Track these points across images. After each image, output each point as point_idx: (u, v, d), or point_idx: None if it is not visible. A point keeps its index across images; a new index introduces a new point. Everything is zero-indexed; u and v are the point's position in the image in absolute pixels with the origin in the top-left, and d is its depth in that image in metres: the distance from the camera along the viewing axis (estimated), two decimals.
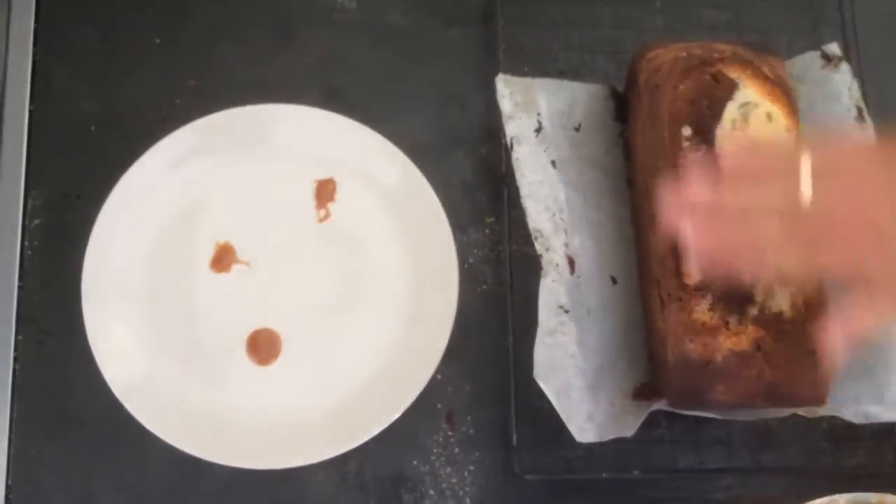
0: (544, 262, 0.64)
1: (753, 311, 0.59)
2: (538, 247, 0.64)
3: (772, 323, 0.59)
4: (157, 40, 0.75)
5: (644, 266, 0.67)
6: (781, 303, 0.59)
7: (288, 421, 0.67)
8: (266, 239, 0.71)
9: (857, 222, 0.49)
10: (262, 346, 0.69)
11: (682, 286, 0.59)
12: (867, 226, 0.49)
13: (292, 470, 0.66)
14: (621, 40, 0.75)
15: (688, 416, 0.65)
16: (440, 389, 0.69)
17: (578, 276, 0.65)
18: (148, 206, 0.71)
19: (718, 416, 0.64)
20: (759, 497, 0.67)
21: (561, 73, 0.74)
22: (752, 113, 0.62)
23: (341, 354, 0.69)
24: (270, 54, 0.75)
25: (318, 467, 0.66)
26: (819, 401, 0.62)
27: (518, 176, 0.66)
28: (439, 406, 0.69)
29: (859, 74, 0.73)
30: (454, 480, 0.67)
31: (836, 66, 0.69)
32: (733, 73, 0.63)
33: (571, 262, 0.65)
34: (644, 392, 0.66)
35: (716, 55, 0.64)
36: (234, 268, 0.70)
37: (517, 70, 0.72)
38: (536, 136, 0.68)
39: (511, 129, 0.67)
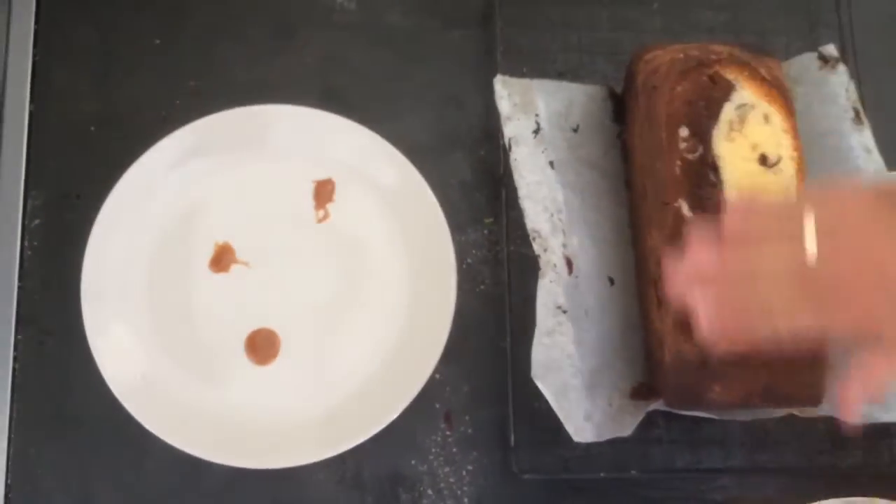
0: (542, 262, 0.64)
1: None
2: (536, 247, 0.64)
3: None
4: (157, 41, 0.76)
5: (641, 266, 0.67)
6: None
7: (287, 420, 0.67)
8: (265, 239, 0.71)
9: (867, 278, 0.48)
10: (261, 346, 0.69)
11: None
12: (877, 281, 0.48)
13: (291, 469, 0.66)
14: (619, 42, 0.75)
15: (685, 416, 0.65)
16: (438, 389, 0.69)
17: (576, 277, 0.66)
18: (147, 206, 0.71)
19: (715, 416, 0.64)
20: (755, 497, 0.68)
21: (559, 75, 0.75)
22: (749, 114, 0.62)
23: (340, 354, 0.69)
24: (270, 55, 0.76)
25: (316, 467, 0.66)
26: (815, 401, 0.62)
27: (516, 177, 0.66)
28: (437, 406, 0.69)
29: (856, 76, 0.73)
30: (452, 480, 0.68)
31: (834, 67, 0.70)
32: (730, 74, 0.63)
33: (569, 263, 0.65)
34: (641, 392, 0.66)
35: (713, 57, 0.64)
36: (233, 268, 0.71)
37: (516, 71, 0.72)
38: (535, 137, 0.68)
39: (509, 130, 0.67)
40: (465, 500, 0.67)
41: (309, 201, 0.72)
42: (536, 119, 0.68)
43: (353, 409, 0.68)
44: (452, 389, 0.69)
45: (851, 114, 0.69)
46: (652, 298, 0.64)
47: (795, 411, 0.64)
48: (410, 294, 0.70)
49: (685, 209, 0.61)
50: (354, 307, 0.70)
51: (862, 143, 0.68)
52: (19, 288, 0.70)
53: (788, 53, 0.73)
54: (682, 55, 0.64)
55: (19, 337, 0.69)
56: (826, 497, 0.63)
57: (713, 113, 0.62)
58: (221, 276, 0.70)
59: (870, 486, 0.64)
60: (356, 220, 0.72)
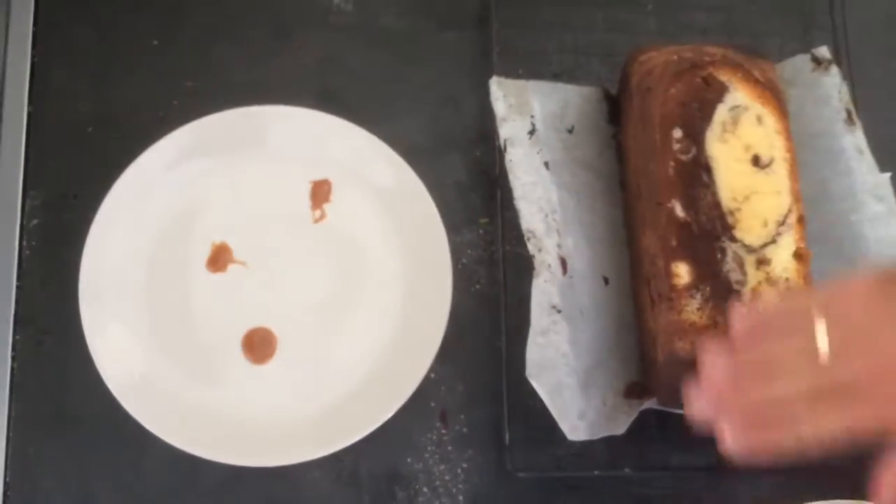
0: (537, 262, 0.64)
1: None
2: (531, 247, 0.65)
3: None
4: (155, 42, 0.76)
5: (636, 266, 0.68)
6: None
7: (283, 419, 0.68)
8: (262, 239, 0.71)
9: (882, 372, 0.48)
10: (258, 346, 0.69)
11: (672, 287, 0.60)
12: (892, 374, 0.48)
13: (288, 468, 0.66)
14: (614, 43, 0.76)
15: (678, 415, 0.65)
16: (434, 388, 0.69)
17: (571, 277, 0.66)
18: (145, 206, 0.71)
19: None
20: (749, 495, 0.68)
21: (555, 76, 0.75)
22: (742, 115, 0.63)
23: (336, 353, 0.70)
24: (267, 56, 0.76)
25: (313, 465, 0.67)
26: None
27: (511, 177, 0.66)
28: (433, 405, 0.69)
29: (849, 77, 0.73)
30: (447, 478, 0.68)
31: (827, 69, 0.70)
32: (724, 76, 0.64)
33: (564, 263, 0.66)
34: (635, 391, 0.67)
35: (707, 58, 0.64)
36: (231, 268, 0.71)
37: (511, 72, 0.72)
38: (530, 137, 0.68)
39: (505, 131, 0.68)
40: (461, 498, 0.68)
41: (305, 201, 0.73)
42: (532, 120, 0.69)
43: (349, 407, 0.68)
44: (448, 388, 0.70)
45: (844, 115, 0.69)
46: (646, 298, 0.64)
47: None
48: (406, 294, 0.71)
49: (679, 210, 0.61)
50: (351, 307, 0.71)
51: (854, 144, 0.68)
52: (18, 287, 0.70)
53: (782, 55, 0.73)
54: (675, 57, 0.65)
55: (18, 337, 0.69)
56: (816, 499, 0.63)
57: (707, 114, 0.63)
58: (218, 275, 0.71)
59: (858, 489, 0.64)
60: (353, 221, 0.72)
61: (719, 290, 0.60)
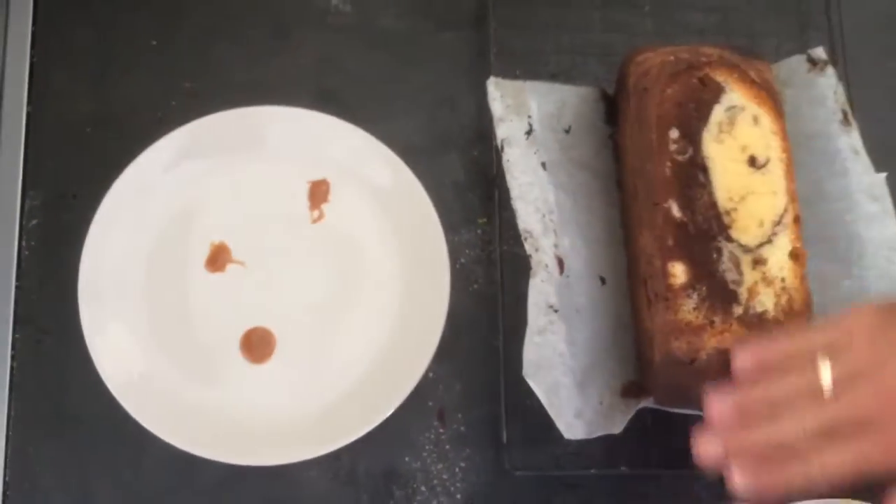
0: (534, 262, 0.65)
1: (738, 311, 0.60)
2: (528, 247, 0.65)
3: (756, 322, 0.60)
4: (154, 42, 0.76)
5: (632, 266, 0.68)
6: (766, 302, 0.61)
7: (281, 418, 0.68)
8: (260, 239, 0.72)
9: (887, 406, 0.49)
10: (257, 345, 0.69)
11: (669, 286, 0.60)
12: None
13: (286, 466, 0.66)
14: (611, 43, 0.76)
15: (675, 414, 0.65)
16: (432, 387, 0.69)
17: (567, 276, 0.66)
18: (144, 206, 0.71)
19: (704, 414, 0.65)
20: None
21: (552, 76, 0.75)
22: (738, 116, 0.63)
23: (334, 353, 0.70)
24: (265, 57, 0.76)
25: (311, 464, 0.67)
26: None
27: (508, 178, 0.66)
28: (431, 404, 0.69)
29: (845, 77, 0.74)
30: (445, 477, 0.68)
31: (822, 69, 0.70)
32: (720, 76, 0.64)
33: (561, 263, 0.66)
34: (632, 390, 0.67)
35: (703, 59, 0.64)
36: (229, 267, 0.71)
37: (509, 73, 0.73)
38: (527, 138, 0.68)
39: (502, 131, 0.68)
40: (458, 496, 0.68)
41: (304, 202, 0.73)
42: (529, 120, 0.69)
43: (347, 406, 0.68)
44: (445, 387, 0.70)
45: (840, 116, 0.69)
46: (642, 298, 0.64)
47: None
48: (404, 293, 0.71)
49: (675, 209, 0.62)
50: (349, 306, 0.71)
51: (850, 144, 0.69)
52: (17, 287, 0.70)
53: (778, 55, 0.74)
54: (672, 58, 0.65)
55: (17, 336, 0.69)
56: (805, 498, 0.63)
57: (703, 115, 0.63)
58: (217, 275, 0.71)
59: (858, 488, 0.64)
60: (351, 221, 0.72)
61: (715, 289, 0.61)
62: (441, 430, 0.69)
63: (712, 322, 0.60)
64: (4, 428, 0.67)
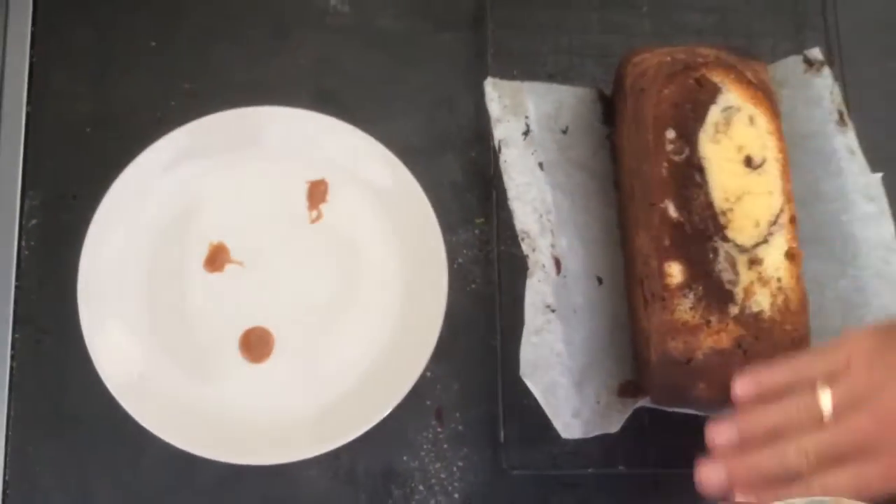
0: (531, 262, 0.65)
1: (734, 311, 0.61)
2: (525, 247, 0.65)
3: (752, 322, 0.60)
4: (153, 43, 0.76)
5: (629, 266, 0.68)
6: (762, 302, 0.61)
7: (280, 418, 0.68)
8: (259, 239, 0.72)
9: (885, 427, 0.49)
10: (255, 345, 0.70)
11: (665, 286, 0.61)
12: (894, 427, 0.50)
13: (285, 466, 0.67)
14: (609, 44, 0.76)
15: (672, 413, 0.66)
16: (429, 387, 0.70)
17: (564, 277, 0.66)
18: (143, 206, 0.71)
19: (701, 413, 0.65)
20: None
21: (550, 77, 0.75)
22: (734, 116, 0.63)
23: (333, 352, 0.70)
24: (264, 57, 0.76)
25: (310, 463, 0.67)
26: None
27: (506, 178, 0.67)
28: (429, 403, 0.70)
29: (842, 78, 0.74)
30: (443, 476, 0.69)
31: (819, 70, 0.71)
32: (716, 77, 0.64)
33: (558, 263, 0.66)
34: (629, 389, 0.67)
35: (699, 60, 0.65)
36: (228, 267, 0.71)
37: (506, 73, 0.73)
38: (524, 138, 0.69)
39: (499, 132, 0.68)
40: (456, 495, 0.68)
41: (302, 202, 0.73)
42: (526, 121, 0.69)
43: (345, 406, 0.69)
44: (443, 387, 0.70)
45: (836, 116, 0.70)
46: (639, 298, 0.65)
47: None
48: (402, 293, 0.71)
49: (671, 210, 0.62)
50: (347, 306, 0.71)
51: (846, 144, 0.69)
52: (17, 287, 0.71)
53: (775, 55, 0.74)
54: (669, 58, 0.65)
55: (17, 336, 0.70)
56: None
57: (699, 115, 0.63)
58: (216, 275, 0.71)
59: None
60: (349, 221, 0.73)
61: (712, 289, 0.61)
62: (439, 430, 0.69)
63: (708, 322, 0.60)
64: (4, 427, 0.68)
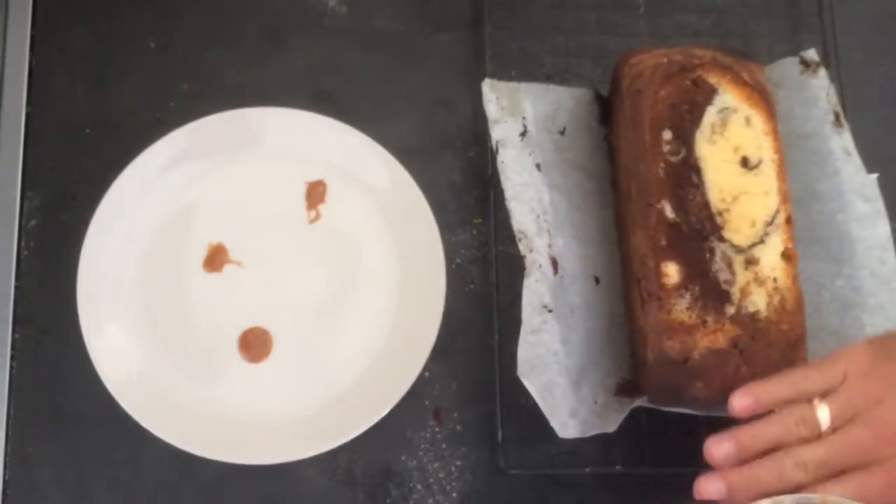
0: (528, 262, 0.65)
1: (731, 311, 0.61)
2: (522, 248, 0.65)
3: (748, 322, 0.61)
4: (152, 45, 0.77)
5: (626, 266, 0.68)
6: (758, 302, 0.61)
7: (279, 417, 0.68)
8: (257, 240, 0.72)
9: (882, 439, 0.50)
10: (254, 345, 0.70)
11: (662, 286, 0.61)
12: (892, 440, 0.50)
13: (283, 465, 0.67)
14: (606, 45, 0.76)
15: (669, 412, 0.66)
16: (428, 387, 0.70)
17: (562, 277, 0.67)
18: (142, 207, 0.72)
19: (698, 413, 0.65)
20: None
21: (547, 78, 0.76)
22: (731, 117, 0.64)
23: (331, 352, 0.70)
24: (262, 58, 0.77)
25: (308, 462, 0.67)
26: None
27: (503, 179, 0.67)
28: (427, 403, 0.70)
29: (838, 79, 0.74)
30: (441, 475, 0.69)
31: (815, 71, 0.71)
32: (713, 78, 0.64)
33: (555, 263, 0.67)
34: (626, 389, 0.67)
35: (696, 61, 0.65)
36: (227, 268, 0.72)
37: (504, 74, 0.73)
38: (521, 139, 0.69)
39: (497, 132, 0.68)
40: (454, 495, 0.68)
41: (301, 202, 0.73)
42: (523, 122, 0.69)
43: (344, 405, 0.69)
44: (441, 387, 0.70)
45: (832, 117, 0.70)
46: (636, 297, 0.65)
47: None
48: (401, 293, 0.71)
49: (668, 210, 0.62)
50: (346, 306, 0.71)
51: (842, 145, 0.69)
52: (16, 288, 0.71)
53: (772, 56, 0.74)
54: (665, 60, 0.65)
55: (17, 336, 0.70)
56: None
57: (696, 116, 0.64)
58: (215, 275, 0.71)
59: None
60: (347, 221, 0.73)
61: (708, 289, 0.61)
62: (437, 430, 0.70)
63: (705, 322, 0.61)
64: (4, 427, 0.68)
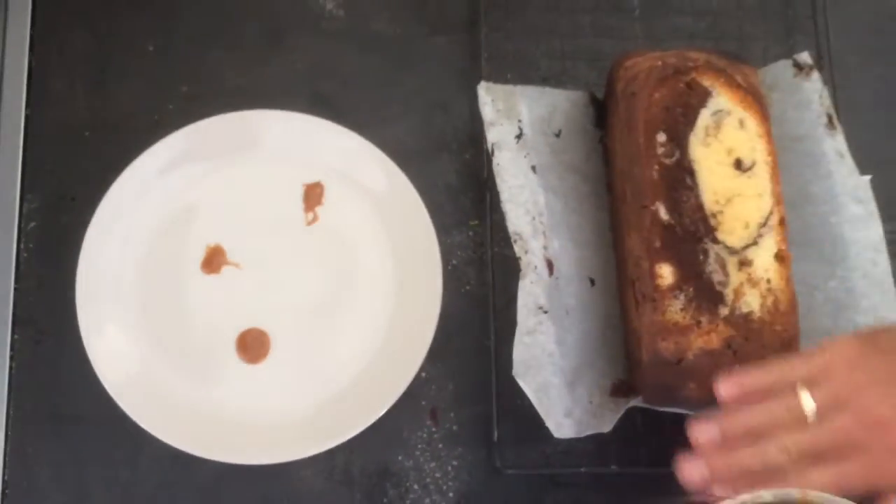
0: (523, 264, 0.65)
1: (724, 312, 0.61)
2: (517, 249, 0.65)
3: (742, 323, 0.61)
4: (151, 47, 0.77)
5: (621, 268, 0.69)
6: (752, 303, 0.62)
7: (276, 418, 0.69)
8: (255, 241, 0.72)
9: (866, 429, 0.50)
10: (252, 346, 0.70)
11: (656, 287, 0.61)
12: (876, 431, 0.50)
13: (281, 465, 0.67)
14: (602, 48, 0.77)
15: (664, 412, 0.66)
16: (424, 387, 0.70)
17: (557, 278, 0.67)
18: (140, 208, 0.72)
19: (692, 413, 0.66)
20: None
21: (543, 80, 0.76)
22: (724, 120, 0.64)
23: (329, 353, 0.71)
24: (260, 61, 0.77)
25: (306, 462, 0.68)
26: None
27: (498, 181, 0.67)
28: (423, 403, 0.70)
29: (831, 82, 0.75)
30: (438, 475, 0.69)
31: (808, 74, 0.71)
32: (707, 81, 0.65)
33: (550, 265, 0.67)
34: (622, 389, 0.68)
35: (690, 64, 0.65)
36: (225, 269, 0.72)
37: (500, 77, 0.74)
38: (517, 141, 0.69)
39: (492, 135, 0.69)
40: (451, 494, 0.69)
41: (298, 204, 0.74)
42: (519, 124, 0.70)
43: (341, 406, 0.69)
44: (438, 387, 0.71)
45: (825, 119, 0.70)
46: (631, 299, 0.65)
47: None
48: (397, 294, 0.72)
49: (662, 212, 0.63)
50: (343, 307, 0.72)
51: (835, 147, 0.70)
52: (16, 289, 0.71)
53: (766, 59, 0.75)
54: (660, 62, 0.66)
55: (16, 337, 0.70)
56: None
57: (690, 119, 0.64)
58: (213, 277, 0.72)
59: None
60: (345, 223, 0.73)
61: (702, 290, 0.62)
62: (434, 430, 0.70)
63: (699, 322, 0.61)
64: (3, 427, 0.68)
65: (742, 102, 0.65)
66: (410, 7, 0.79)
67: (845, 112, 0.73)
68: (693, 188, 0.63)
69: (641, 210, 0.63)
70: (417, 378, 0.69)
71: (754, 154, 0.64)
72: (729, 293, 0.62)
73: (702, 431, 0.54)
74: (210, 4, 0.78)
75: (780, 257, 0.63)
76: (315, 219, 0.73)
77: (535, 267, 0.66)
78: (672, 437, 0.68)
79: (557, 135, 0.72)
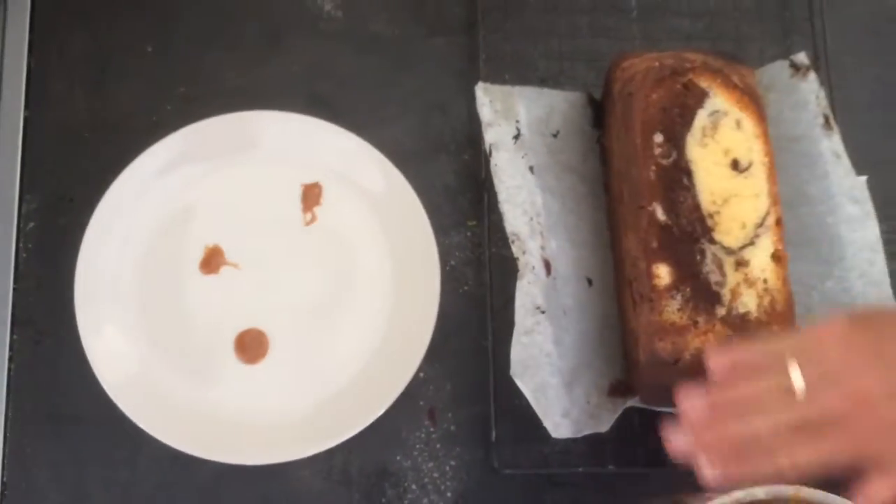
0: (521, 264, 0.65)
1: (721, 312, 0.61)
2: (515, 250, 0.66)
3: (739, 323, 0.61)
4: (149, 48, 0.77)
5: (618, 268, 0.69)
6: (749, 303, 0.62)
7: (275, 418, 0.69)
8: (254, 241, 0.72)
9: (855, 405, 0.50)
10: (250, 346, 0.70)
11: (653, 287, 0.62)
12: (865, 407, 0.50)
13: (279, 465, 0.67)
14: (599, 49, 0.77)
15: (661, 412, 0.66)
16: (422, 387, 0.71)
17: (554, 278, 0.67)
18: (139, 209, 0.72)
19: None
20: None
21: (541, 81, 0.76)
22: (721, 120, 0.64)
23: (327, 353, 0.71)
24: (258, 62, 0.77)
25: (304, 463, 0.68)
26: None
27: (496, 181, 0.67)
28: (422, 403, 0.71)
29: (828, 82, 0.75)
30: (436, 475, 0.69)
31: (805, 75, 0.71)
32: (704, 82, 0.65)
33: (547, 265, 0.67)
34: (619, 389, 0.68)
35: (687, 65, 0.65)
36: (223, 269, 0.72)
37: (498, 78, 0.74)
38: (515, 142, 0.69)
39: (490, 135, 0.69)
40: (448, 494, 0.69)
41: (297, 204, 0.74)
42: (517, 125, 0.70)
43: (339, 406, 0.69)
44: (436, 387, 0.71)
45: (821, 120, 0.70)
46: (628, 299, 0.65)
47: None
48: (395, 295, 0.72)
49: (659, 212, 0.63)
50: (341, 307, 0.72)
51: (831, 148, 0.70)
52: (15, 290, 0.71)
53: (763, 59, 0.75)
54: (657, 63, 0.66)
55: (15, 337, 0.70)
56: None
57: (687, 119, 0.64)
58: (211, 277, 0.72)
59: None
60: (343, 223, 0.73)
61: (699, 291, 0.62)
62: (432, 430, 0.70)
63: (696, 323, 0.61)
64: (2, 428, 0.68)
65: (739, 103, 0.65)
66: (409, 8, 0.79)
67: (842, 112, 0.73)
68: (690, 188, 0.63)
69: (638, 210, 0.64)
70: (415, 378, 0.69)
71: (751, 154, 0.64)
72: (726, 293, 0.62)
73: (689, 400, 0.53)
74: (209, 5, 0.78)
75: (776, 257, 0.63)
76: (313, 219, 0.74)
77: (533, 267, 0.66)
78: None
79: (555, 135, 0.72)
